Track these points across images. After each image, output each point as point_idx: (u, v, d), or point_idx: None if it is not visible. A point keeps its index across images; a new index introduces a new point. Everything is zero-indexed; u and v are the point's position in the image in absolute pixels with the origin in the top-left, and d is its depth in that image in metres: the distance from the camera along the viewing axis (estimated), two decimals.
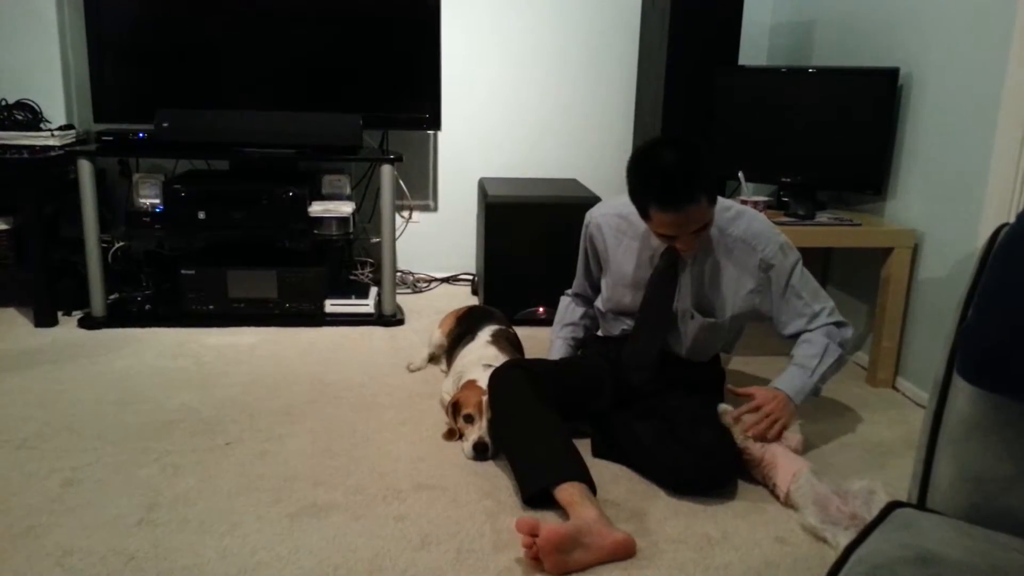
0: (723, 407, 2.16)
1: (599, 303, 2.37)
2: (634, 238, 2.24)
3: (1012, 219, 2.24)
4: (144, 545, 1.75)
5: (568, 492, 1.86)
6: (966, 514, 1.08)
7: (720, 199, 2.16)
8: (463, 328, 2.71)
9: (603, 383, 2.27)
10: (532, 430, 2.03)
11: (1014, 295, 0.99)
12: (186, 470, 2.08)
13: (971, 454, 1.09)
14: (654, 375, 2.25)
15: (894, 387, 2.78)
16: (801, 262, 2.22)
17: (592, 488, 1.91)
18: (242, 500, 1.94)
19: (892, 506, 1.11)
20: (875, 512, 1.77)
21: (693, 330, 2.20)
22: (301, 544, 1.77)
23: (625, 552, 1.76)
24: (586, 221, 2.36)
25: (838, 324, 2.23)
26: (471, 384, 2.27)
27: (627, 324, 2.29)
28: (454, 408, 2.26)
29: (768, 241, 2.18)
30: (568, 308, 2.56)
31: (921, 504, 1.15)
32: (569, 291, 2.58)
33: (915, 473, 1.16)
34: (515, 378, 2.12)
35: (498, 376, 2.15)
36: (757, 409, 2.11)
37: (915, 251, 2.69)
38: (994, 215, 2.32)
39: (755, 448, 2.06)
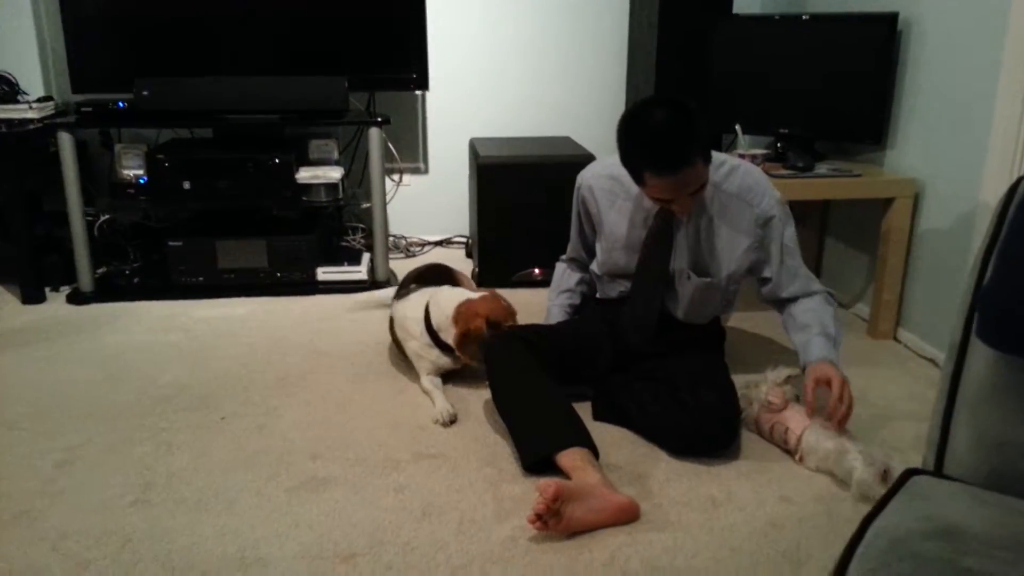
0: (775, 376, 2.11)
1: (595, 266, 2.32)
2: (627, 199, 2.19)
3: (1016, 169, 2.21)
4: (140, 525, 1.72)
5: (570, 458, 1.84)
6: (985, 480, 1.05)
7: (715, 154, 2.10)
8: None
9: (601, 347, 2.24)
10: (532, 398, 2.00)
11: None
12: (180, 447, 2.05)
13: (990, 418, 1.05)
14: (653, 337, 2.21)
15: (895, 339, 2.75)
16: (792, 222, 2.18)
17: (595, 453, 1.88)
18: (239, 476, 1.91)
19: (908, 473, 1.07)
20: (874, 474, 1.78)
21: (690, 291, 2.16)
22: (300, 519, 1.74)
23: (629, 516, 1.74)
24: (577, 184, 2.30)
25: (830, 292, 2.19)
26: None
27: (624, 286, 2.25)
28: (464, 339, 2.24)
29: (763, 195, 2.13)
30: (564, 274, 2.51)
31: (938, 470, 1.11)
32: (564, 256, 2.52)
33: (931, 439, 1.12)
34: (513, 347, 2.08)
35: (495, 345, 2.11)
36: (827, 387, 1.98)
37: (916, 201, 2.63)
38: (998, 164, 2.26)
39: (766, 417, 2.05)
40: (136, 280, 3.23)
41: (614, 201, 2.21)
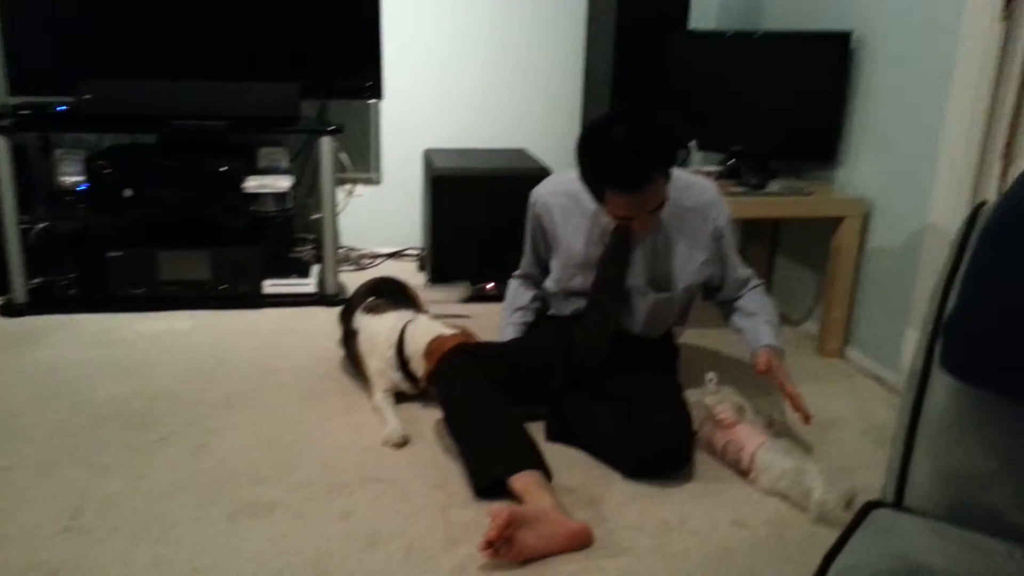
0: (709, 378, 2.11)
1: (549, 283, 2.29)
2: (583, 216, 2.16)
3: (965, 190, 2.24)
4: (69, 555, 1.63)
5: (523, 481, 1.80)
6: (946, 513, 1.03)
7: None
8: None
9: (554, 366, 2.20)
10: (483, 418, 1.95)
11: (1004, 282, 0.92)
12: (115, 469, 1.95)
13: (951, 450, 1.03)
14: (606, 355, 2.18)
15: (843, 356, 2.77)
16: None
17: (548, 475, 1.85)
18: (177, 501, 1.83)
19: (869, 506, 1.05)
20: (832, 502, 1.77)
21: (647, 306, 2.15)
22: (241, 547, 1.67)
23: (581, 542, 1.71)
24: (531, 201, 2.27)
25: (765, 285, 2.33)
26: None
27: (579, 304, 2.22)
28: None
29: (720, 210, 2.16)
30: (517, 291, 2.47)
31: (898, 502, 1.10)
32: (517, 273, 2.48)
33: (891, 470, 1.11)
34: (462, 364, 2.04)
35: (445, 363, 2.07)
36: (768, 372, 2.10)
37: (865, 220, 2.66)
38: (946, 184, 2.29)
39: (719, 436, 2.03)
40: (73, 291, 3.10)
41: (570, 218, 2.18)
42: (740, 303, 2.27)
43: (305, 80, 3.14)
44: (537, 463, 1.85)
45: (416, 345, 2.23)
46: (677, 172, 2.13)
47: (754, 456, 1.94)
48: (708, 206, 2.13)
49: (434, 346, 2.18)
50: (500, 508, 1.61)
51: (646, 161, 1.87)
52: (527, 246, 2.38)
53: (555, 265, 2.24)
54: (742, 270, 2.26)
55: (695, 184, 2.15)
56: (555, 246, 2.23)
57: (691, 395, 2.13)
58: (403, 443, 2.10)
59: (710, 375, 2.08)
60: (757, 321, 2.20)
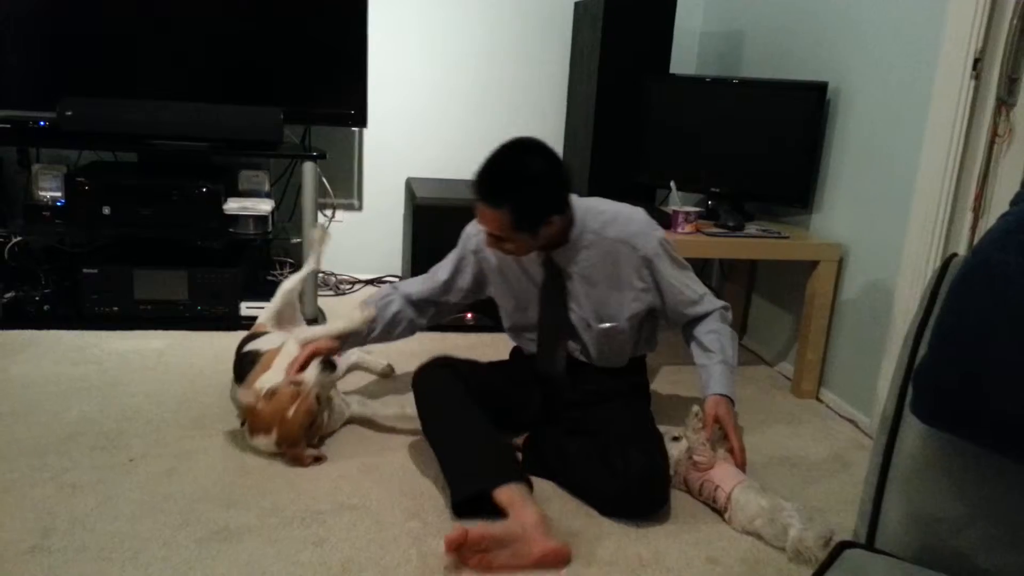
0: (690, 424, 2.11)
1: (504, 322, 2.31)
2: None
3: (936, 240, 2.30)
4: (37, 575, 1.60)
5: (508, 494, 1.83)
6: (917, 555, 1.05)
7: (596, 203, 2.12)
8: None
9: (532, 392, 2.24)
10: (465, 431, 1.99)
11: (971, 336, 0.96)
12: (85, 490, 1.92)
13: (922, 493, 1.06)
14: (573, 384, 2.21)
15: (818, 398, 2.80)
16: (678, 253, 2.18)
17: (530, 486, 1.89)
18: (146, 523, 1.80)
19: (841, 547, 1.07)
20: (811, 542, 1.78)
21: (595, 338, 2.16)
22: (211, 572, 1.65)
23: (556, 561, 1.74)
24: (468, 233, 2.26)
25: (724, 308, 2.24)
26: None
27: (534, 337, 2.26)
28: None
29: (647, 238, 2.10)
30: (387, 305, 2.29)
31: (870, 543, 1.12)
32: (399, 286, 2.35)
33: (862, 511, 1.13)
34: (443, 377, 2.07)
35: (425, 374, 2.09)
36: (717, 423, 2.08)
37: (840, 265, 2.71)
38: (919, 232, 2.35)
39: (695, 475, 2.04)
40: (46, 307, 3.06)
41: (504, 260, 2.19)
42: (698, 334, 2.21)
43: (290, 106, 3.15)
44: (520, 475, 1.89)
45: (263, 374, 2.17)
46: (603, 206, 2.13)
47: (730, 496, 1.95)
48: (633, 236, 2.09)
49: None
50: (451, 537, 1.67)
51: (502, 181, 1.92)
52: (445, 274, 2.29)
53: (501, 307, 2.28)
54: (691, 292, 2.18)
55: (620, 215, 2.12)
56: (494, 286, 2.25)
57: (671, 431, 2.12)
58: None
59: (696, 408, 2.10)
60: (712, 361, 2.16)
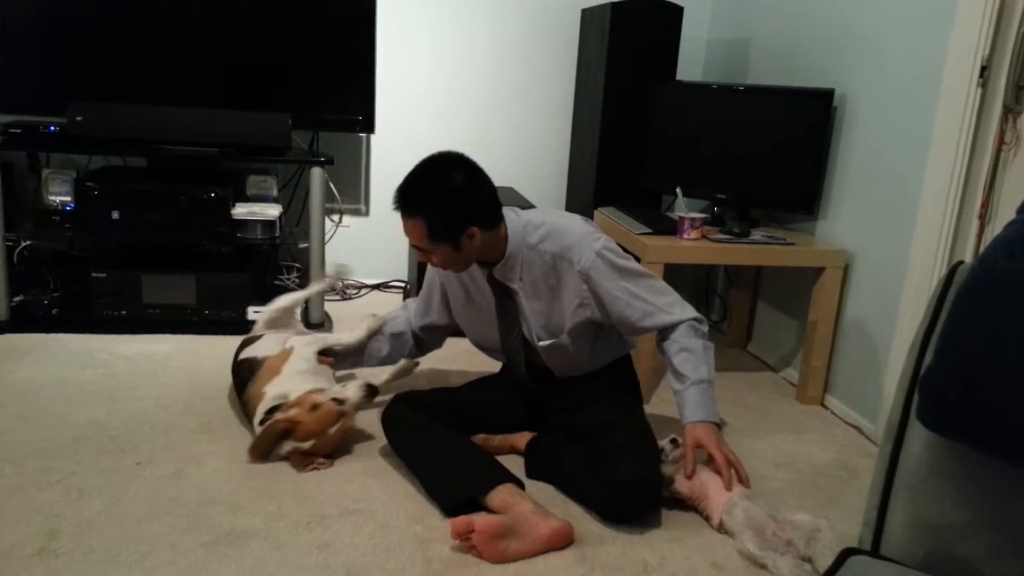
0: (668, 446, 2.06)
1: (469, 339, 2.35)
2: (468, 276, 2.19)
3: (943, 247, 2.30)
4: None
5: (499, 497, 1.89)
6: (921, 562, 1.06)
7: (533, 216, 2.08)
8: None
9: (513, 396, 2.30)
10: (441, 448, 2.06)
11: (977, 343, 0.96)
12: (92, 493, 1.93)
13: (927, 500, 1.06)
14: (552, 392, 2.24)
15: (823, 404, 2.80)
16: (628, 262, 2.06)
17: (521, 486, 1.95)
18: (153, 527, 1.81)
19: (846, 553, 1.07)
20: (818, 550, 1.77)
21: (544, 351, 2.15)
22: None
23: (562, 540, 1.82)
24: None
25: (697, 320, 2.08)
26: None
27: (498, 353, 2.31)
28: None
29: (583, 251, 2.01)
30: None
31: (875, 550, 1.12)
32: (411, 322, 2.42)
33: (867, 519, 1.13)
34: (402, 410, 2.15)
35: (387, 414, 2.17)
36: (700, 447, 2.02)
37: (846, 271, 2.71)
38: (925, 239, 2.35)
39: (684, 485, 2.03)
40: (55, 311, 3.08)
41: (451, 277, 2.22)
42: (669, 353, 2.07)
43: (298, 111, 3.17)
44: (508, 476, 1.94)
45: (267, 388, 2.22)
46: (539, 220, 2.08)
47: (722, 521, 1.94)
48: (568, 250, 2.02)
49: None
50: (457, 521, 1.76)
51: (413, 190, 1.94)
52: (437, 296, 2.33)
53: (460, 323, 2.31)
54: (641, 304, 2.03)
55: (556, 228, 2.06)
56: (454, 301, 2.28)
57: (668, 438, 2.11)
58: None
59: (663, 443, 2.07)
60: (684, 385, 2.04)
